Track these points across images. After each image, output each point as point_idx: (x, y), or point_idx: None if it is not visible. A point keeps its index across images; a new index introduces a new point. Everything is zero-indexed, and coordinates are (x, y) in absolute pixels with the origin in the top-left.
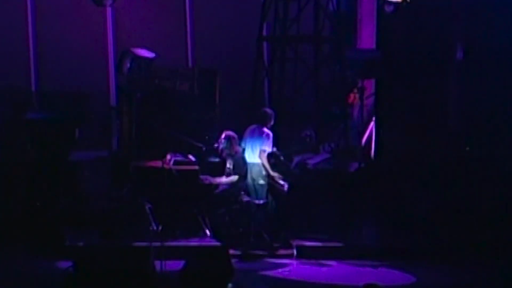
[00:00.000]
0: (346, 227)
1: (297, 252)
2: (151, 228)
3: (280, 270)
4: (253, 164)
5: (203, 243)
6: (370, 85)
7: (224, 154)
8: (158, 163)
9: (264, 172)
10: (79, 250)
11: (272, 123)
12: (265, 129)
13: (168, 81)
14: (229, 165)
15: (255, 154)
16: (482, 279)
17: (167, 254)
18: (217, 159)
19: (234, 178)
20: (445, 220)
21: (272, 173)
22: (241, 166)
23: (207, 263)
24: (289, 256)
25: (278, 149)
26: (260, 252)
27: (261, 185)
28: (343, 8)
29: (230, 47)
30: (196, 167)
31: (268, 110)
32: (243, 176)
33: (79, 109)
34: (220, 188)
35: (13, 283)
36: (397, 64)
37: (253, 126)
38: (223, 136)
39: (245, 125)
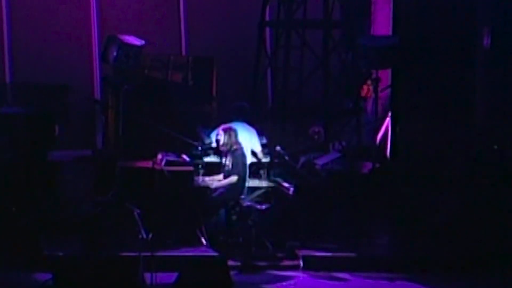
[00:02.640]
0: (359, 235)
1: (303, 263)
2: (140, 237)
3: (284, 283)
4: None
5: (199, 253)
6: (385, 76)
7: (224, 151)
8: (148, 164)
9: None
10: (59, 260)
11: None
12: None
13: (159, 71)
14: (228, 162)
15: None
16: None
17: (158, 266)
18: (215, 159)
19: (233, 179)
20: (469, 227)
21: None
22: (240, 165)
23: (203, 276)
24: (295, 268)
25: (282, 148)
26: (262, 263)
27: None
28: None
29: (229, 33)
30: (191, 168)
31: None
32: (243, 176)
33: (59, 103)
34: (218, 191)
35: None
36: (416, 52)
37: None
38: (220, 131)
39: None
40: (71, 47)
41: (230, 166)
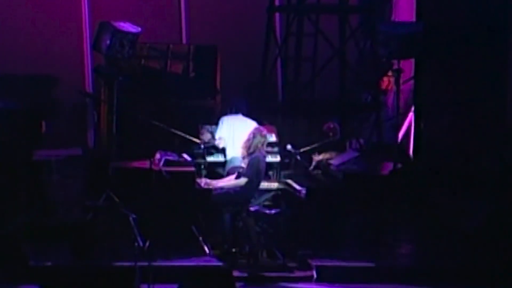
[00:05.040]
0: (378, 243)
1: (317, 274)
2: (136, 245)
3: None
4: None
5: (201, 263)
6: (408, 67)
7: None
8: (145, 164)
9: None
10: (47, 271)
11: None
12: None
13: (157, 61)
14: (244, 164)
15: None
16: None
17: (156, 276)
18: (219, 159)
19: (241, 181)
20: (502, 235)
21: None
22: (254, 168)
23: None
24: (308, 279)
25: (293, 147)
26: (272, 274)
27: None
28: None
29: (234, 18)
30: (192, 169)
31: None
32: (254, 181)
33: (46, 96)
34: (223, 190)
35: None
36: (442, 40)
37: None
38: (250, 133)
39: (252, 115)
40: (60, 34)
41: (245, 167)
